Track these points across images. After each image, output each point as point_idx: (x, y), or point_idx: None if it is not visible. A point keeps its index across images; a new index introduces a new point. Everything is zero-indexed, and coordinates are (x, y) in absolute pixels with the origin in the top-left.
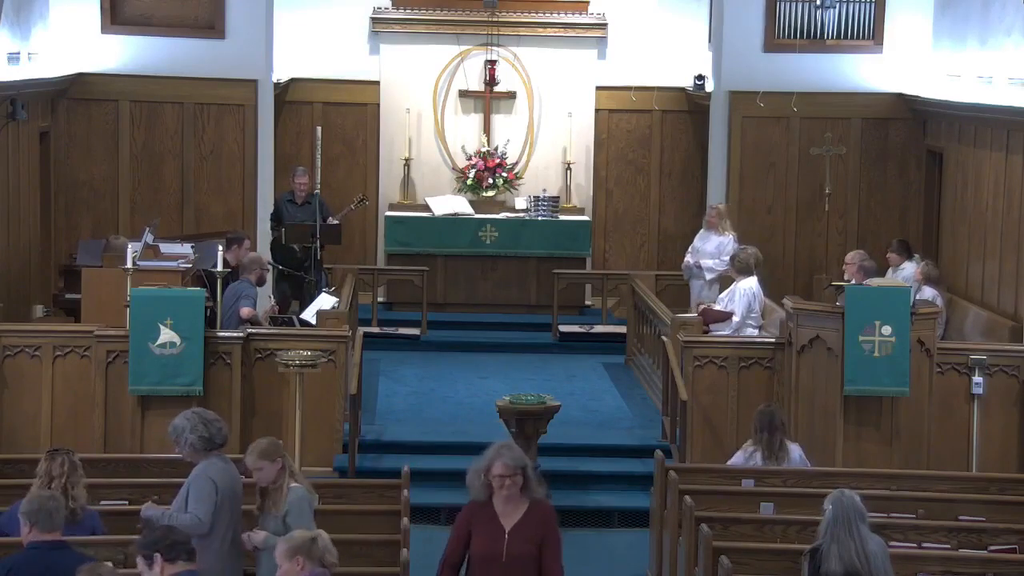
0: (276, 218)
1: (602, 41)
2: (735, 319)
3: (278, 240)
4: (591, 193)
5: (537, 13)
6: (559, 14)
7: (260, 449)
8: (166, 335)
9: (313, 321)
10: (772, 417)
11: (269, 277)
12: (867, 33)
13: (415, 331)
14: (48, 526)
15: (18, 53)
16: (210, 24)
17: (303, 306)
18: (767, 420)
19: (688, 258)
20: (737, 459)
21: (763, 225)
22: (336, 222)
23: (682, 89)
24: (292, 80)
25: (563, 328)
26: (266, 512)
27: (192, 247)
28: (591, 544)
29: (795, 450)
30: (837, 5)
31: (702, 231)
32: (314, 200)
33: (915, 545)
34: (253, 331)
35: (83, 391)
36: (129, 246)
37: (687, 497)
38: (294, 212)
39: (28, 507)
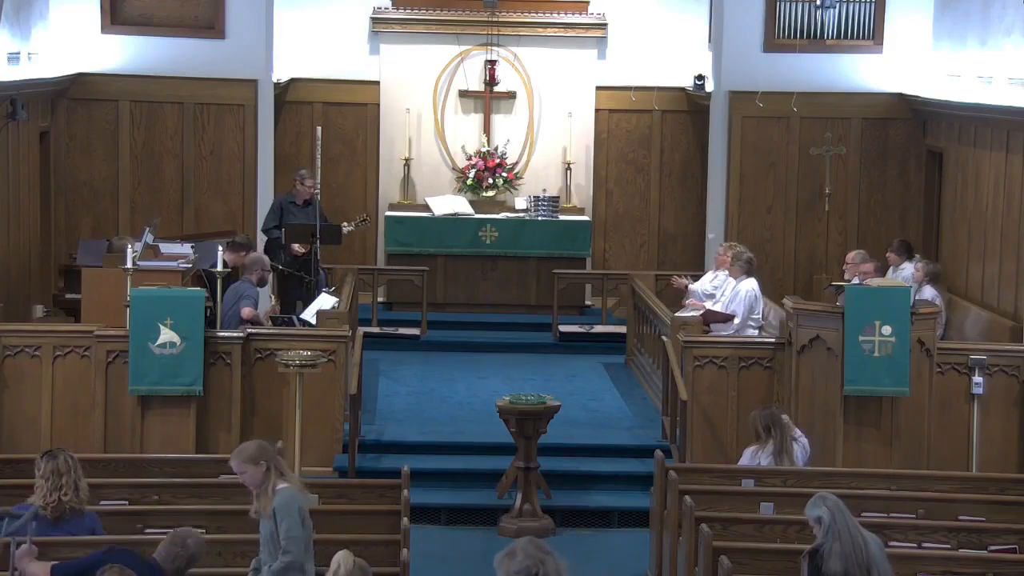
0: (278, 219)
1: (602, 41)
2: (736, 321)
3: (277, 241)
4: (591, 193)
5: (537, 13)
6: (559, 14)
7: (243, 453)
8: (166, 335)
9: (313, 321)
10: (774, 416)
11: (270, 277)
12: (867, 33)
13: (415, 331)
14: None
15: (18, 53)
16: (210, 24)
17: (303, 306)
18: (773, 420)
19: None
20: (744, 463)
21: (763, 225)
22: (347, 229)
23: (682, 89)
24: (292, 80)
25: (563, 328)
26: (260, 515)
27: (192, 247)
28: (591, 544)
29: (799, 441)
30: (837, 5)
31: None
32: (315, 201)
33: (915, 545)
34: (253, 331)
35: (83, 391)
36: (129, 246)
37: (687, 497)
38: (296, 213)
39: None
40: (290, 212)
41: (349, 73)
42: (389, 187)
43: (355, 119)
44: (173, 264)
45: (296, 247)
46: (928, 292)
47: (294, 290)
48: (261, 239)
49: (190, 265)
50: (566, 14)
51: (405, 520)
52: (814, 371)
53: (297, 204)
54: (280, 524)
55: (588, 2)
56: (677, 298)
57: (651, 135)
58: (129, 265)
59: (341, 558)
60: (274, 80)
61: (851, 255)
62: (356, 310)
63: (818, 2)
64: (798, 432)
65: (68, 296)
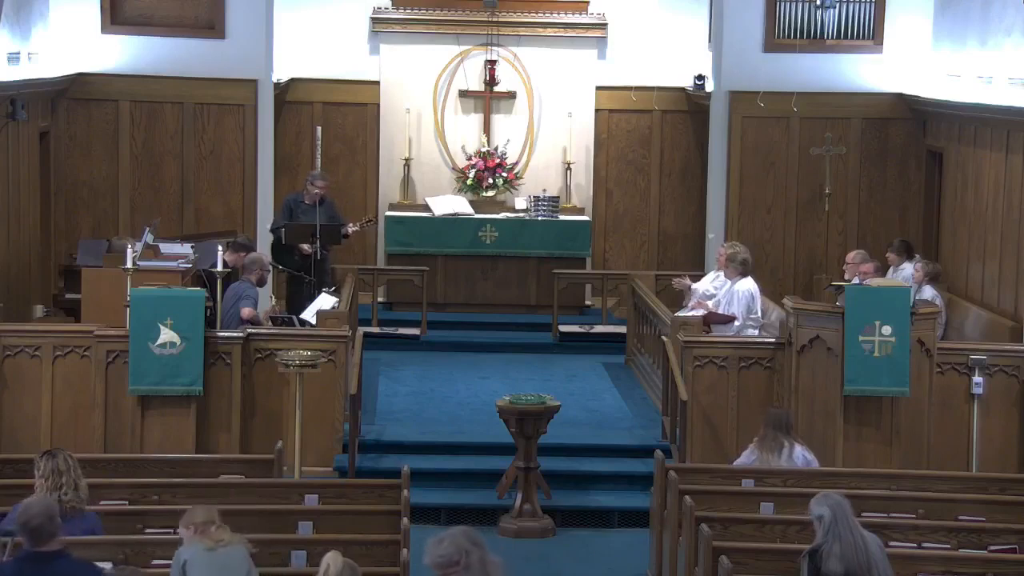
0: (287, 219)
1: (602, 41)
2: (736, 323)
3: (278, 241)
4: (591, 193)
5: (537, 13)
6: (559, 14)
7: (185, 516)
8: (166, 335)
9: (313, 321)
10: (780, 419)
11: (269, 278)
12: (867, 33)
13: (415, 331)
14: (42, 540)
15: (18, 53)
16: (210, 24)
17: (304, 306)
18: (776, 420)
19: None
20: (742, 459)
21: (763, 225)
22: (348, 231)
23: (682, 89)
24: (292, 80)
25: (563, 328)
26: None
27: (192, 247)
28: (591, 544)
29: (805, 456)
30: (837, 5)
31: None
32: (328, 202)
33: (915, 545)
34: (253, 331)
35: (83, 391)
36: (129, 246)
37: (687, 497)
38: (307, 212)
39: (24, 519)
40: (300, 212)
41: (349, 73)
42: (389, 187)
43: (355, 119)
44: (173, 264)
45: (306, 247)
46: (928, 292)
47: (298, 291)
48: (262, 239)
49: (190, 265)
50: (566, 14)
51: (405, 520)
52: (814, 371)
53: (307, 204)
54: None
55: (588, 2)
56: (677, 298)
57: (651, 135)
58: (129, 265)
59: (330, 558)
60: (274, 80)
61: (851, 255)
62: (356, 310)
63: (818, 2)
64: (800, 449)
65: (68, 296)
